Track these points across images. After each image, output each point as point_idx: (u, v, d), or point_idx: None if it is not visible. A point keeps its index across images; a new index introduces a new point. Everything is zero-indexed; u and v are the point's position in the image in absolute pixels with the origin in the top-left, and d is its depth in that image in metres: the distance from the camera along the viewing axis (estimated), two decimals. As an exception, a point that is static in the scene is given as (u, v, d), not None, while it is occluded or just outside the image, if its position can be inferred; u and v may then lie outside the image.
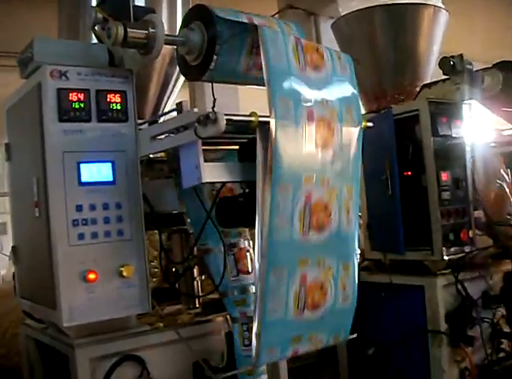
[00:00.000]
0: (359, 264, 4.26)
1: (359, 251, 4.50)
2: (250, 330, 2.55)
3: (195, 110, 2.39)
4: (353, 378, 4.42)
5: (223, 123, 2.05)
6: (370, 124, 2.55)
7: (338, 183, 2.35)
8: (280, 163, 2.11)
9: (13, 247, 2.94)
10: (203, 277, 3.03)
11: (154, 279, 3.25)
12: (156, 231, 2.85)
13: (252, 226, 2.20)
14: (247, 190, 2.37)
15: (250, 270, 2.63)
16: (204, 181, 2.21)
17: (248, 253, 2.70)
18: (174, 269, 3.05)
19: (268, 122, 2.11)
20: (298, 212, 2.20)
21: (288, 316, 2.26)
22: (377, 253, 4.07)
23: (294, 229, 2.20)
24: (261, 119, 2.14)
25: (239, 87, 6.50)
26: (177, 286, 3.16)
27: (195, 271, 3.00)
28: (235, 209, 2.39)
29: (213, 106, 2.09)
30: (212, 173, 2.25)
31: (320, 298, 2.36)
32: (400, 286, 3.94)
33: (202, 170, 2.20)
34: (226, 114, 2.08)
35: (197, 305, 2.99)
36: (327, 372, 4.91)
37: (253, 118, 2.12)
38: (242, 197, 2.39)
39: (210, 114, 2.04)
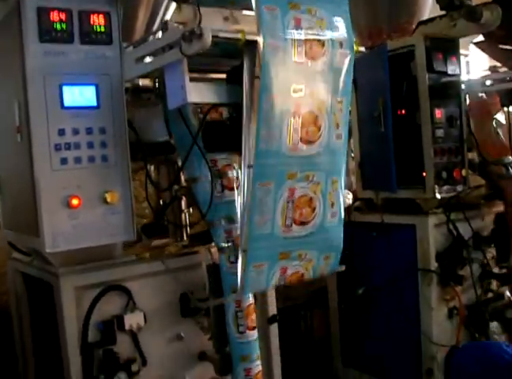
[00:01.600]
0: (351, 204, 4.30)
1: (350, 195, 4.54)
2: (237, 259, 2.52)
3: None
4: (343, 319, 4.43)
5: (209, 39, 1.98)
6: (362, 48, 2.47)
7: (328, 97, 2.30)
8: (268, 76, 2.06)
9: (-3, 176, 2.88)
10: (191, 210, 2.99)
11: (145, 220, 3.21)
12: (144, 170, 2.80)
13: (239, 150, 2.16)
14: (234, 114, 2.30)
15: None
16: (189, 101, 2.15)
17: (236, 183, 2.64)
18: (162, 202, 3.01)
19: (255, 41, 2.04)
20: (286, 124, 2.16)
21: (276, 231, 2.25)
22: (369, 192, 4.03)
23: (282, 141, 2.17)
24: (248, 37, 2.06)
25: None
26: (165, 221, 3.15)
27: (183, 203, 2.95)
28: (222, 133, 2.33)
29: (199, 22, 2.01)
30: (198, 93, 2.19)
31: (308, 214, 2.34)
32: (391, 225, 3.92)
33: (188, 89, 2.13)
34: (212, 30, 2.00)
35: (185, 238, 2.95)
36: (317, 313, 4.94)
37: (240, 36, 2.05)
38: (229, 121, 2.33)
39: (195, 29, 1.97)
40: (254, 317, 2.67)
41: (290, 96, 2.16)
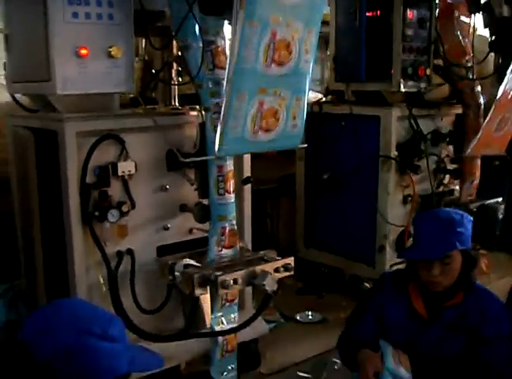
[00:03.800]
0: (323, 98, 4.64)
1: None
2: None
3: None
4: (308, 204, 4.86)
5: None
6: None
7: None
8: None
9: (5, 35, 3.14)
10: (180, 79, 3.32)
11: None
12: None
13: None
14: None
15: (224, 66, 2.88)
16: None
17: (224, 52, 2.93)
18: (154, 71, 3.33)
19: None
20: None
21: (258, 67, 2.58)
22: (340, 85, 4.39)
23: None
24: None
25: None
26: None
27: (173, 71, 3.28)
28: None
29: None
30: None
31: (286, 56, 2.68)
32: (359, 116, 4.31)
33: None
34: None
35: (173, 103, 3.30)
36: (284, 199, 5.36)
37: None
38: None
39: None
40: (232, 182, 3.04)
41: None
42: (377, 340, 2.62)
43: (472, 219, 2.62)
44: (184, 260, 3.00)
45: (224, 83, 2.58)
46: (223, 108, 2.57)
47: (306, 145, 3.09)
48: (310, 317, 4.34)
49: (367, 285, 4.60)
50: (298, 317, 4.31)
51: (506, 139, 4.39)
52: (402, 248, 4.22)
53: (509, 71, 3.94)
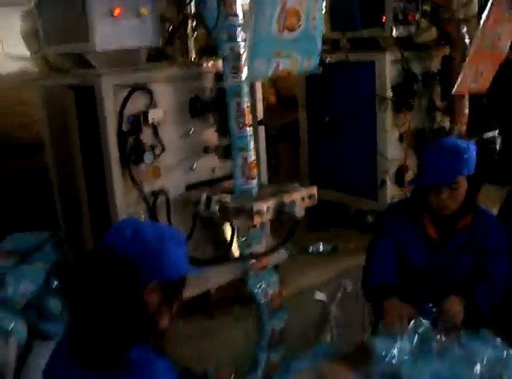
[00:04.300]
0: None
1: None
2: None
3: None
4: (311, 145, 5.24)
5: None
6: None
7: None
8: None
9: (36, 3, 3.48)
10: (195, 34, 3.68)
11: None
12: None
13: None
14: None
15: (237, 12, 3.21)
16: None
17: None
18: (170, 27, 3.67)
19: None
20: None
21: (272, 33, 2.96)
22: (336, 34, 4.74)
23: None
24: None
25: None
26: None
27: (188, 28, 3.64)
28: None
29: None
30: None
31: (296, 23, 3.06)
32: (354, 63, 4.65)
33: None
34: None
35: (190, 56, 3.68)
36: (284, 144, 5.73)
37: None
38: None
39: None
40: (250, 117, 3.39)
41: None
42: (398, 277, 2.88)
43: (475, 146, 2.87)
44: (205, 193, 3.42)
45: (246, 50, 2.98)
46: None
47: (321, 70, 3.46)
48: (321, 249, 4.73)
49: (370, 218, 5.01)
50: (310, 249, 4.71)
51: (487, 79, 4.75)
52: (402, 181, 4.63)
53: (481, 24, 4.30)
